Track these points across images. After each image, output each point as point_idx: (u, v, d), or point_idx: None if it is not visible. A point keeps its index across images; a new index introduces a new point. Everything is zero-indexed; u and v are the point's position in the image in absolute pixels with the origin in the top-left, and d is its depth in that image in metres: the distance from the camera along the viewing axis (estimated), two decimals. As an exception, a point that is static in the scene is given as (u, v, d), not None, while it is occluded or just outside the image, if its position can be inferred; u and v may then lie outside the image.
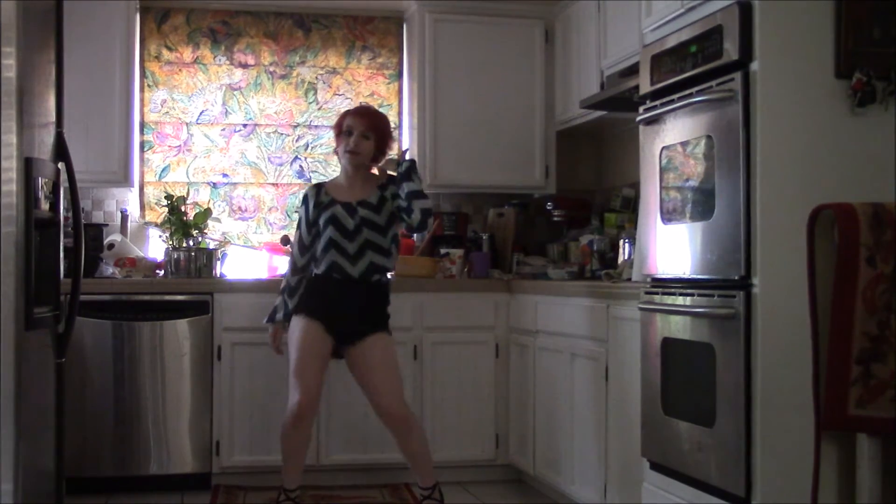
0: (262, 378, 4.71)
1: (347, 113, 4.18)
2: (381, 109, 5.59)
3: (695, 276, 3.20)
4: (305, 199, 4.17)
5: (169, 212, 5.00)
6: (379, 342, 4.03)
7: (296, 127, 5.55)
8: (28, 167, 2.76)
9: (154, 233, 5.33)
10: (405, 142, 5.53)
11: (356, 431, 4.76)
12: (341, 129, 4.13)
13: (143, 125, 5.36)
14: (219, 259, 5.01)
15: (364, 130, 4.07)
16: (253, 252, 5.46)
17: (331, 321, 4.02)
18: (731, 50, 2.97)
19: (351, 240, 4.01)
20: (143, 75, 5.35)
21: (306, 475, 4.49)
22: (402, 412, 4.04)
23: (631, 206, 4.89)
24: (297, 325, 4.04)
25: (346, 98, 5.58)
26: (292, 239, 4.31)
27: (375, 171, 4.19)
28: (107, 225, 5.20)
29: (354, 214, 4.04)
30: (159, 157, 5.40)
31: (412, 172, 4.04)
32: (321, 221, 4.07)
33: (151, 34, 5.39)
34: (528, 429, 4.64)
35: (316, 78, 5.58)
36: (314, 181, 5.34)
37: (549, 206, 5.35)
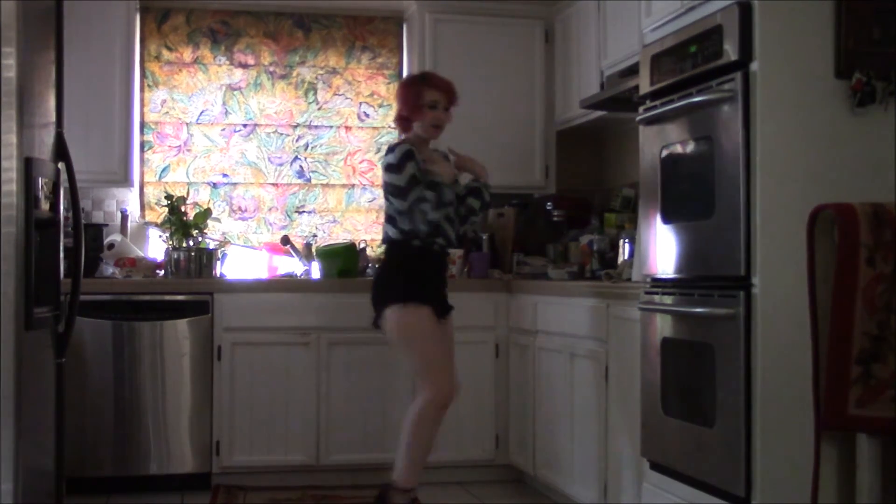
0: (263, 378, 4.71)
1: (429, 84, 4.04)
2: (380, 110, 5.62)
3: (695, 276, 3.20)
4: (411, 154, 3.92)
5: (169, 212, 5.00)
6: (450, 319, 4.13)
7: (296, 127, 5.55)
8: (28, 167, 2.77)
9: (154, 233, 5.33)
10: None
11: (356, 431, 4.76)
12: (421, 101, 3.99)
13: (143, 125, 5.36)
14: (219, 259, 5.01)
15: (447, 105, 4.06)
16: (253, 252, 5.46)
17: (437, 304, 4.01)
18: (730, 50, 2.97)
19: (455, 209, 4.06)
20: (143, 75, 5.35)
21: (306, 475, 4.50)
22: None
23: (631, 206, 4.88)
24: (417, 315, 3.93)
25: (346, 98, 5.58)
26: (395, 204, 3.97)
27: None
28: (107, 225, 5.20)
29: (450, 187, 4.04)
30: (159, 157, 5.40)
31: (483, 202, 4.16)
32: (425, 186, 3.96)
33: (151, 34, 5.38)
34: (528, 429, 4.64)
35: (316, 78, 5.58)
36: (315, 182, 5.30)
37: (549, 206, 5.35)
